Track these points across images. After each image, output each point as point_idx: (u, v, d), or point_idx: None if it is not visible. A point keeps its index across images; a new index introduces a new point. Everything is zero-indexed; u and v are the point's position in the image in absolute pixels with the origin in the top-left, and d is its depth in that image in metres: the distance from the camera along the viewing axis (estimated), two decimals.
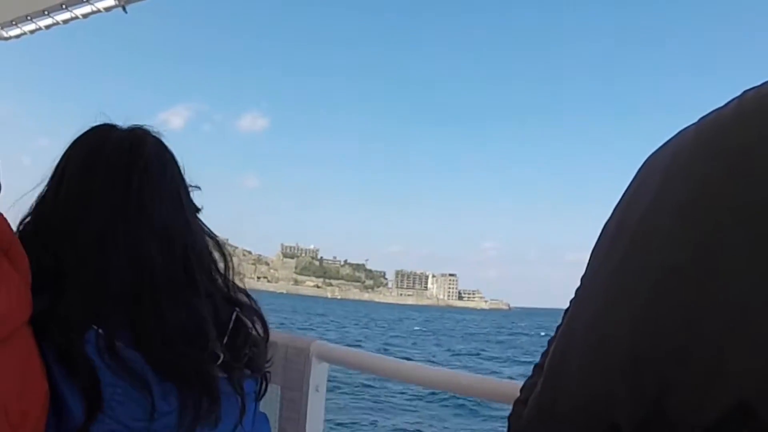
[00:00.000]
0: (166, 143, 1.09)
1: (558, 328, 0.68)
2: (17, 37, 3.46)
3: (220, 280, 1.06)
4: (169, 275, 0.96)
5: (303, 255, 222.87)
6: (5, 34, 3.44)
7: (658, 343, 0.50)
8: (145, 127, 1.08)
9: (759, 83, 0.55)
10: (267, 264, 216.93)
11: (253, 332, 1.06)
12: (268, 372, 1.11)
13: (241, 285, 1.10)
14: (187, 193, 1.08)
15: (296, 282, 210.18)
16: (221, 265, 1.08)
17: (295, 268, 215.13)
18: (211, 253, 1.07)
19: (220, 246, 1.09)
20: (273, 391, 1.59)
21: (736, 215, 0.49)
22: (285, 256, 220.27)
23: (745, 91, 0.55)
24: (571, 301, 0.66)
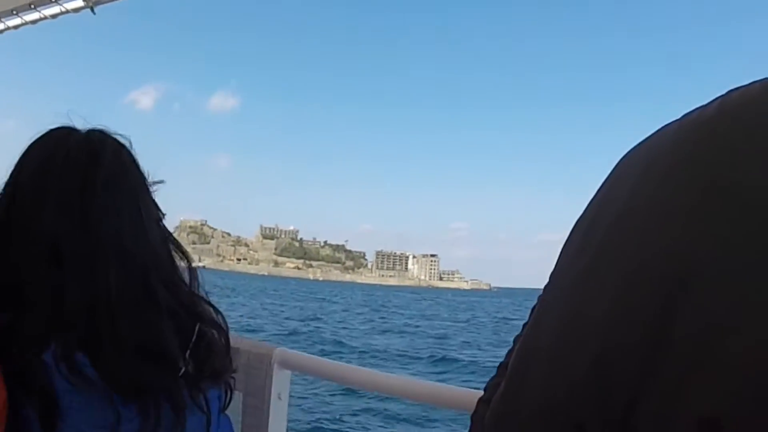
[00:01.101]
0: (127, 145, 1.05)
1: (524, 326, 0.66)
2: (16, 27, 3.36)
3: (182, 291, 1.04)
4: (126, 291, 0.93)
5: (282, 236, 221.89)
6: None
7: (627, 348, 0.48)
8: (105, 129, 1.04)
9: (743, 83, 0.54)
10: (246, 245, 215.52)
11: (216, 343, 1.04)
12: (233, 378, 1.11)
13: (204, 296, 1.07)
14: (149, 200, 1.04)
15: (276, 263, 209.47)
16: (185, 272, 1.05)
17: (275, 249, 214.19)
18: (173, 263, 1.04)
19: (184, 253, 1.06)
20: (235, 398, 1.57)
21: (716, 216, 0.47)
22: (264, 237, 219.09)
23: (729, 91, 0.54)
24: (538, 298, 0.64)
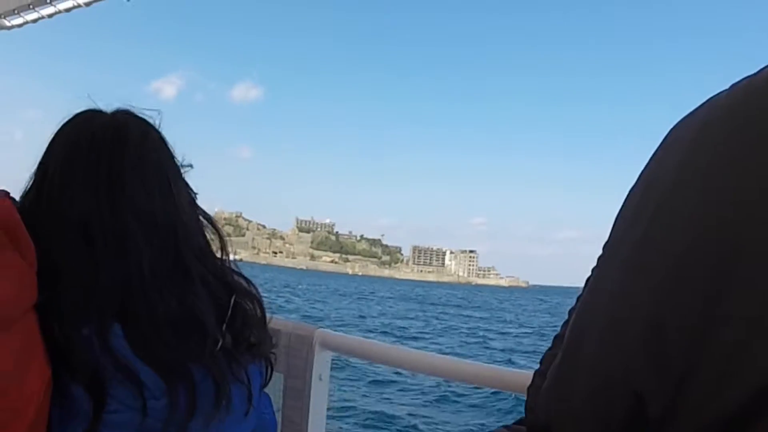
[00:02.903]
0: (155, 124, 1.05)
1: (578, 298, 0.66)
2: (20, 26, 3.44)
3: (215, 265, 1.03)
4: (159, 266, 0.94)
5: (318, 229, 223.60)
6: (8, 24, 3.41)
7: (683, 318, 0.48)
8: (131, 109, 1.04)
9: None
10: (282, 238, 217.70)
11: (251, 315, 1.04)
12: (273, 354, 1.10)
13: (236, 267, 1.07)
14: (179, 178, 1.04)
15: (313, 257, 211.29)
16: (218, 249, 1.05)
17: (311, 242, 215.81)
18: (205, 237, 1.04)
19: (218, 230, 1.06)
20: (276, 379, 1.56)
21: (764, 188, 0.47)
22: (300, 230, 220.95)
23: None
24: (592, 270, 0.65)
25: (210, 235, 1.06)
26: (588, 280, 0.66)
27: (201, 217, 1.06)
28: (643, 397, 0.50)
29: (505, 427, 0.75)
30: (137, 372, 0.87)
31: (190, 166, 1.07)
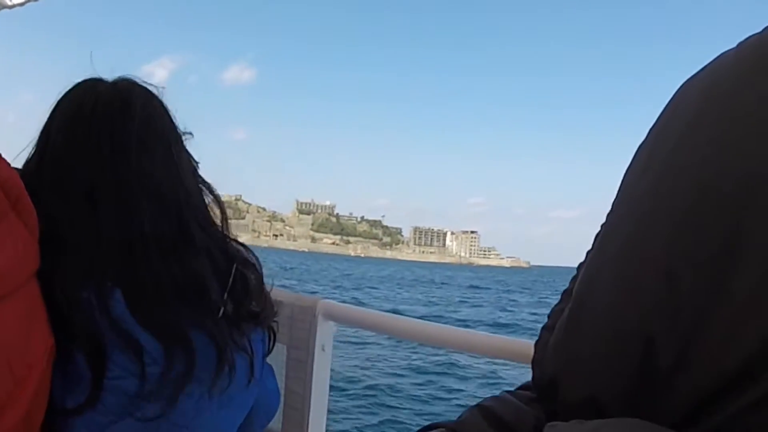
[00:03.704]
0: (156, 93, 1.05)
1: (587, 253, 0.66)
2: (21, 4, 3.37)
3: (216, 232, 1.03)
4: (162, 229, 0.94)
5: (319, 211, 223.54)
6: (9, 3, 3.35)
7: (696, 264, 0.48)
8: (132, 78, 1.04)
9: None
10: (282, 221, 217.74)
11: (251, 282, 1.04)
12: (275, 323, 1.10)
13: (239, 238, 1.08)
14: (181, 146, 1.04)
15: (314, 239, 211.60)
16: (218, 218, 1.06)
17: (312, 224, 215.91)
18: (206, 206, 1.04)
19: (217, 198, 1.07)
20: (279, 351, 1.55)
21: None
22: (301, 212, 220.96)
23: None
24: (602, 225, 0.64)
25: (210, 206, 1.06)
26: (596, 235, 0.65)
27: (201, 186, 1.06)
28: (656, 344, 0.50)
29: (508, 392, 0.73)
30: (137, 337, 0.87)
31: (191, 134, 1.07)
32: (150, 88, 1.05)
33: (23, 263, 0.82)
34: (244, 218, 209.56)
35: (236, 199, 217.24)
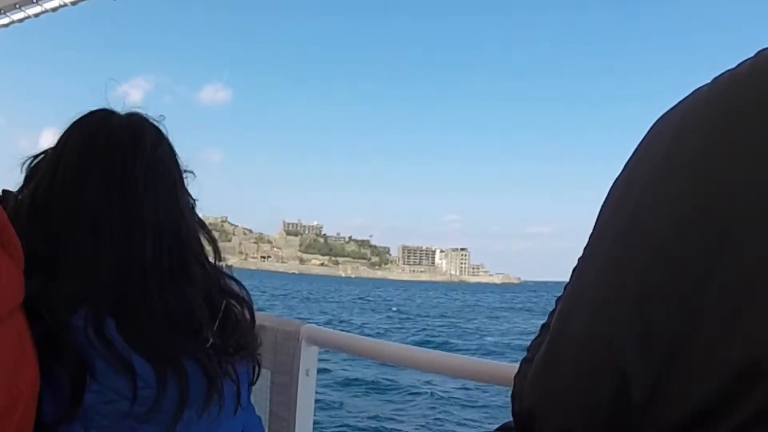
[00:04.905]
0: (164, 131, 1.09)
1: (565, 287, 0.67)
2: (5, 26, 3.39)
3: (211, 267, 1.07)
4: (161, 262, 0.97)
5: (306, 232, 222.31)
6: None
7: (667, 300, 0.49)
8: (143, 114, 1.09)
9: None
10: (269, 242, 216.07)
11: (242, 319, 1.07)
12: (260, 355, 1.13)
13: (228, 271, 1.11)
14: (183, 184, 1.09)
15: (302, 260, 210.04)
16: (210, 252, 1.09)
17: (300, 245, 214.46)
18: (201, 242, 1.08)
19: (210, 236, 1.11)
20: (263, 376, 1.55)
21: (748, 173, 0.48)
22: (288, 233, 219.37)
23: (759, 51, 0.54)
24: (579, 259, 0.65)
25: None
26: (573, 270, 0.66)
27: (197, 224, 1.10)
28: (629, 378, 0.50)
29: (497, 429, 0.74)
30: (131, 361, 0.88)
31: (192, 173, 1.11)
32: (159, 126, 1.09)
33: (8, 295, 0.82)
34: (230, 240, 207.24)
35: (222, 221, 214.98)
